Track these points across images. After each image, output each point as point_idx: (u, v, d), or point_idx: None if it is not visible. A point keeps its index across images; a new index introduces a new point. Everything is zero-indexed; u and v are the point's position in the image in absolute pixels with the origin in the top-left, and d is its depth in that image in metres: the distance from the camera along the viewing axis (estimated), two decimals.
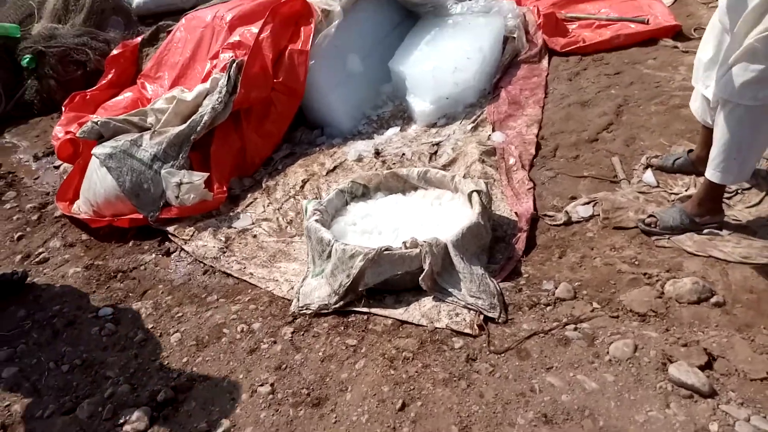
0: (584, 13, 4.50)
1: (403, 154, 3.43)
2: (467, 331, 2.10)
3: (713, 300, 2.03)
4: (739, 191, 2.53)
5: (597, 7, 4.55)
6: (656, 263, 2.26)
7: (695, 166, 2.65)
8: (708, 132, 2.38)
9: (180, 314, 2.53)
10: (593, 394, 1.79)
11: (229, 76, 3.40)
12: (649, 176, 2.75)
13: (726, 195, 2.44)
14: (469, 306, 2.18)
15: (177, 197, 3.13)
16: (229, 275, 2.74)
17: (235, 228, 3.11)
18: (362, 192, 2.91)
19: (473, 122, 3.61)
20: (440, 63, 3.81)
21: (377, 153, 3.48)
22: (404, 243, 2.30)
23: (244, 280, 2.67)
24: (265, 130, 3.66)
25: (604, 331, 2.00)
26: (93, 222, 3.27)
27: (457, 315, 2.18)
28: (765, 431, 1.59)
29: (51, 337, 2.50)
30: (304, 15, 3.76)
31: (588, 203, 2.67)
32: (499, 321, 2.13)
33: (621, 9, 4.42)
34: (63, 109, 4.34)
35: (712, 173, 2.18)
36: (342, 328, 2.26)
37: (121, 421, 2.01)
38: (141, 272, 2.88)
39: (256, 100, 3.55)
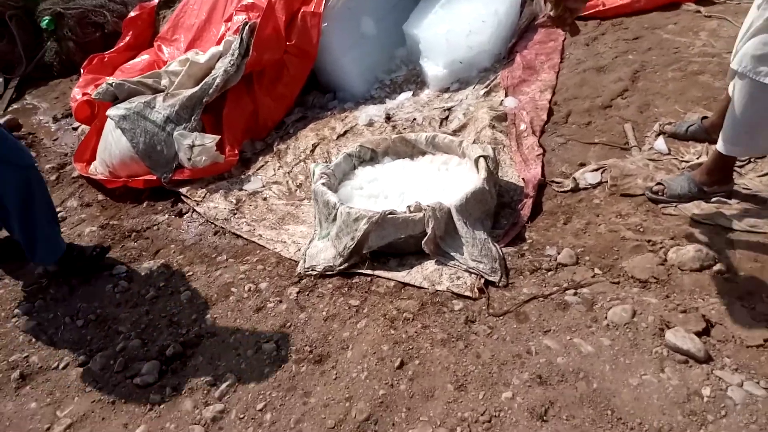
0: None
1: (414, 119, 3.42)
2: (467, 294, 2.13)
3: (716, 268, 2.01)
4: (752, 159, 2.48)
5: None
6: (661, 230, 2.25)
7: (708, 133, 2.60)
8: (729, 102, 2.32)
9: (190, 273, 2.60)
10: (589, 357, 1.81)
11: (241, 39, 3.40)
12: (660, 143, 2.70)
13: (738, 163, 2.39)
14: (470, 270, 2.20)
15: (189, 159, 3.17)
16: (238, 236, 2.79)
17: (245, 190, 3.15)
18: (370, 156, 2.92)
19: (486, 87, 3.57)
20: (454, 26, 3.75)
21: (388, 118, 3.47)
22: (408, 207, 2.32)
23: (253, 242, 2.73)
24: (277, 93, 3.66)
25: (603, 297, 2.01)
26: (109, 183, 3.35)
27: (458, 278, 2.20)
28: (757, 396, 1.60)
29: (67, 294, 2.59)
30: None
31: (597, 170, 2.64)
32: (500, 285, 2.15)
33: None
34: (81, 71, 4.38)
35: (722, 145, 2.13)
36: (346, 289, 2.30)
37: (132, 373, 2.09)
38: (154, 232, 2.96)
39: (268, 63, 3.54)
